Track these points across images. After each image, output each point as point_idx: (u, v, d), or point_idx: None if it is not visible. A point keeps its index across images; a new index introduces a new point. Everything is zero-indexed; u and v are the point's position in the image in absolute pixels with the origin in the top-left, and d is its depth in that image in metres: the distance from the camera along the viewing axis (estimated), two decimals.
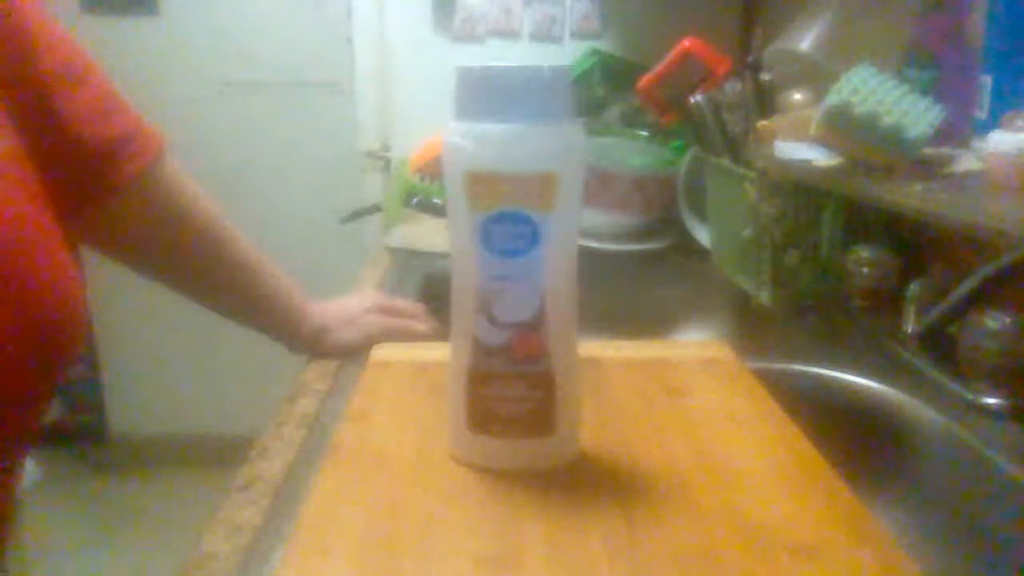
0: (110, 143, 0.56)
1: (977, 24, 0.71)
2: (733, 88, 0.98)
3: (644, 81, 1.18)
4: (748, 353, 0.65)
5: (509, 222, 0.42)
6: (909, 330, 0.74)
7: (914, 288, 0.75)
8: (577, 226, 0.45)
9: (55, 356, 0.44)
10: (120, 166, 0.57)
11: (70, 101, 0.53)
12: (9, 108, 0.47)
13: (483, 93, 0.42)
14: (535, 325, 0.43)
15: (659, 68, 1.16)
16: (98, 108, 0.56)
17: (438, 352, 0.59)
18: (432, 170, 1.31)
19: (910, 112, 0.66)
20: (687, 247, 1.16)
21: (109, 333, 2.28)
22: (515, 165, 0.41)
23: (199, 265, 0.66)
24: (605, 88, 1.42)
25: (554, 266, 0.43)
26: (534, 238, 0.42)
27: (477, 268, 0.43)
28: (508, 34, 1.63)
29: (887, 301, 0.80)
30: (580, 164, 0.44)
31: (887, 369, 0.68)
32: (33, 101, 0.50)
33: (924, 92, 0.69)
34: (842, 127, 0.68)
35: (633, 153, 1.21)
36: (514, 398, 0.44)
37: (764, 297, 0.89)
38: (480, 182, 0.42)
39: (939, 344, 0.69)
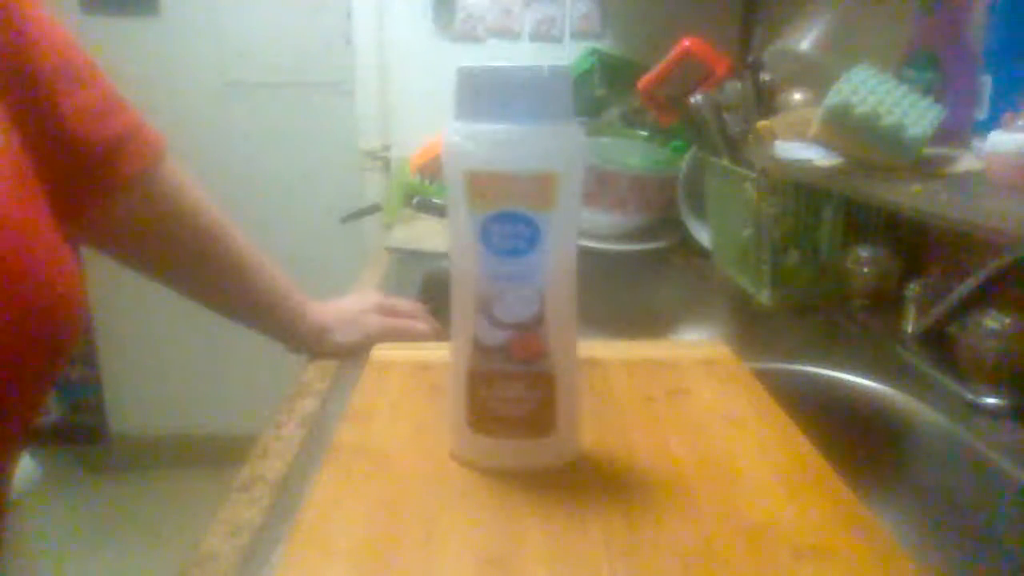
0: (110, 143, 0.56)
1: (977, 24, 0.71)
2: (733, 88, 0.98)
3: (644, 81, 1.18)
4: (748, 353, 0.65)
5: (509, 222, 0.42)
6: (909, 330, 0.74)
7: (914, 288, 0.75)
8: (577, 226, 0.45)
9: (52, 351, 0.44)
10: (120, 166, 0.57)
11: (70, 100, 0.53)
12: (7, 105, 0.47)
13: (483, 93, 0.42)
14: (535, 325, 0.43)
15: (659, 68, 1.16)
16: (98, 108, 0.56)
17: (438, 352, 0.59)
18: (432, 170, 1.31)
19: (910, 112, 0.66)
20: (687, 247, 1.16)
21: (109, 333, 2.28)
22: (515, 165, 0.41)
23: (199, 265, 0.66)
24: (605, 88, 1.42)
25: (554, 266, 0.43)
26: (534, 238, 0.42)
27: (477, 268, 0.43)
28: (508, 34, 1.63)
29: (887, 301, 0.80)
30: (580, 164, 0.44)
31: (887, 369, 0.68)
32: (32, 99, 0.50)
33: (924, 92, 0.69)
34: (842, 127, 0.68)
35: (633, 153, 1.21)
36: (514, 398, 0.44)
37: (764, 297, 0.89)
38: (480, 182, 0.42)
39: (939, 344, 0.69)
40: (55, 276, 0.44)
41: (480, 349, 0.44)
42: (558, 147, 0.42)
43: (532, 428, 0.45)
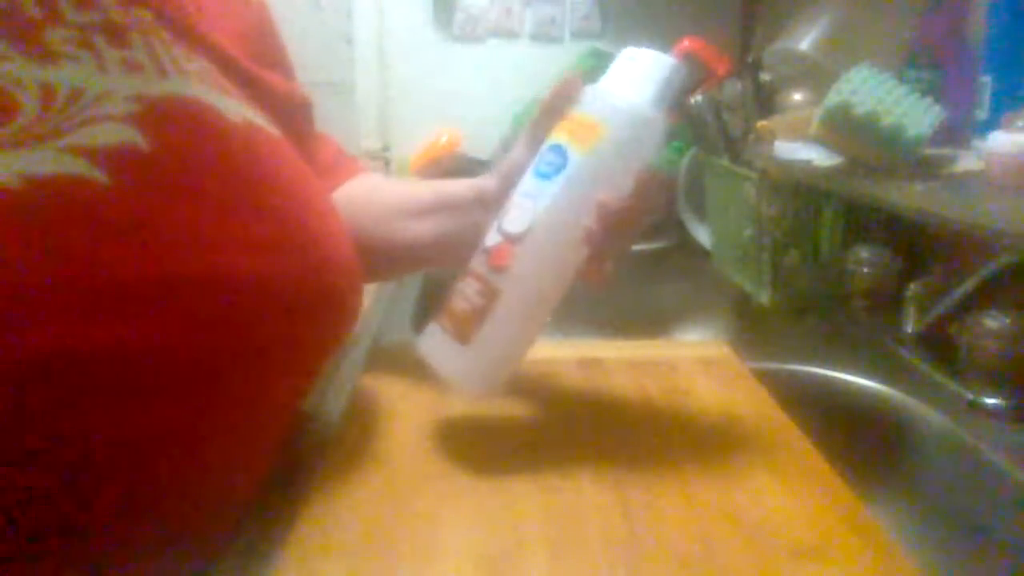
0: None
1: (977, 24, 0.71)
2: (733, 88, 0.98)
3: None
4: (748, 353, 0.65)
5: (554, 152, 0.45)
6: (909, 330, 0.74)
7: (914, 288, 0.75)
8: (601, 189, 0.45)
9: (338, 297, 0.44)
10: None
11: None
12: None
13: (616, 66, 0.49)
14: (516, 240, 0.44)
15: None
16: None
17: None
18: (432, 170, 1.30)
19: (910, 112, 0.66)
20: (687, 247, 1.16)
21: None
22: (585, 109, 0.47)
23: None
24: None
25: (562, 202, 0.44)
26: (560, 167, 0.44)
27: (519, 184, 0.46)
28: (508, 34, 1.63)
29: (887, 301, 0.80)
30: (637, 146, 0.46)
31: (887, 369, 0.68)
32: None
33: (924, 92, 0.69)
34: (842, 127, 0.68)
35: None
36: (463, 294, 0.45)
37: (764, 297, 0.89)
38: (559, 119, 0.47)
39: (939, 344, 0.69)
40: (337, 233, 0.45)
41: (481, 248, 0.46)
42: (623, 119, 0.46)
43: (457, 327, 0.45)
